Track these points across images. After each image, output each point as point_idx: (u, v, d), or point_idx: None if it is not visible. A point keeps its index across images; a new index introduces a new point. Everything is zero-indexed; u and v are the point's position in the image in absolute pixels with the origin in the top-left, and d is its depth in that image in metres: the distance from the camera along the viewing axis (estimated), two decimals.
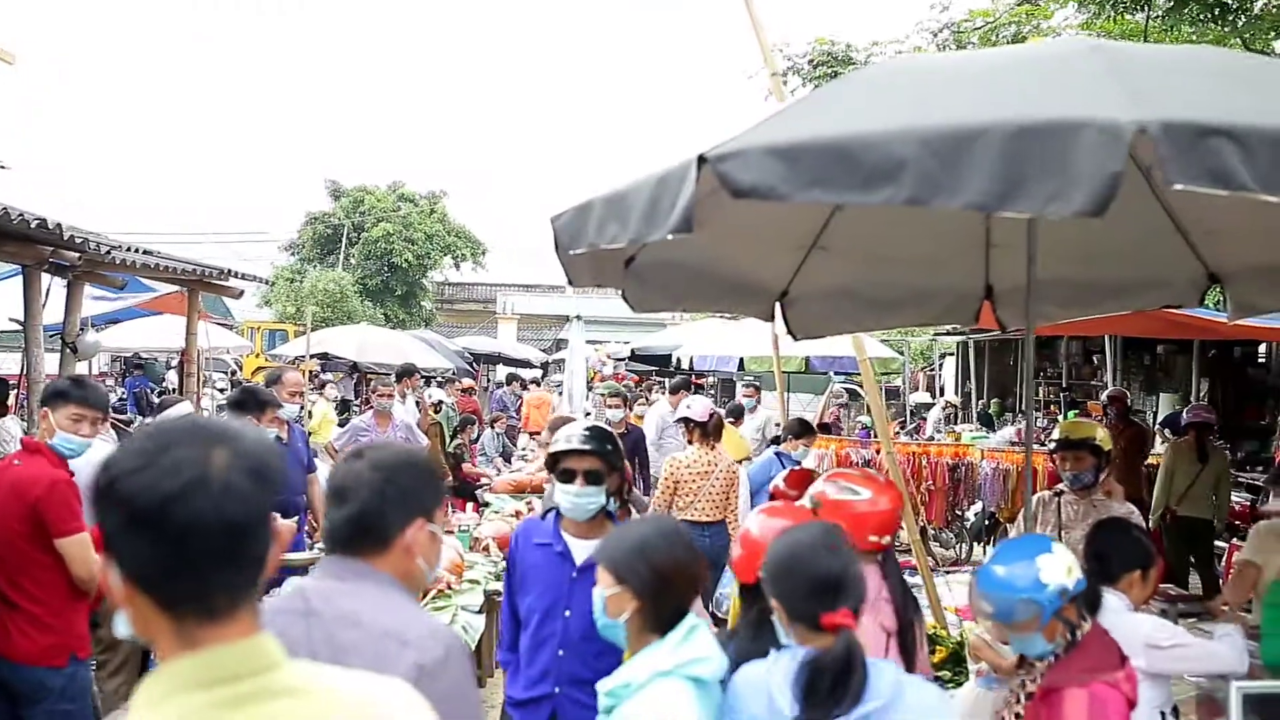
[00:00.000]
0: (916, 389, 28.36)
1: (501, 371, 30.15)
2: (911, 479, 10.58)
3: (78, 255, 7.54)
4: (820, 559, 2.44)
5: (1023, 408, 16.80)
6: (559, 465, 3.55)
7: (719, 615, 6.11)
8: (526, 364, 28.56)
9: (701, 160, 2.52)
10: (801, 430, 8.17)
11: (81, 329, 8.27)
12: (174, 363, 22.84)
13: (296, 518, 6.21)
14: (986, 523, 11.14)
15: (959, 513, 10.84)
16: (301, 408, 16.11)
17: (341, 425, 11.94)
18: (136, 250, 9.33)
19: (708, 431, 7.19)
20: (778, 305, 4.67)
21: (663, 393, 18.42)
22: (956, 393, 23.62)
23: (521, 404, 19.02)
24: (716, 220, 4.06)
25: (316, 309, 31.57)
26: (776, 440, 8.13)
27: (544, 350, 33.56)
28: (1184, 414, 9.63)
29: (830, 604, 2.37)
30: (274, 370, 6.87)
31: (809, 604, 2.39)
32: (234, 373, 26.05)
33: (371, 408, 9.21)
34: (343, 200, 38.99)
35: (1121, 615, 3.11)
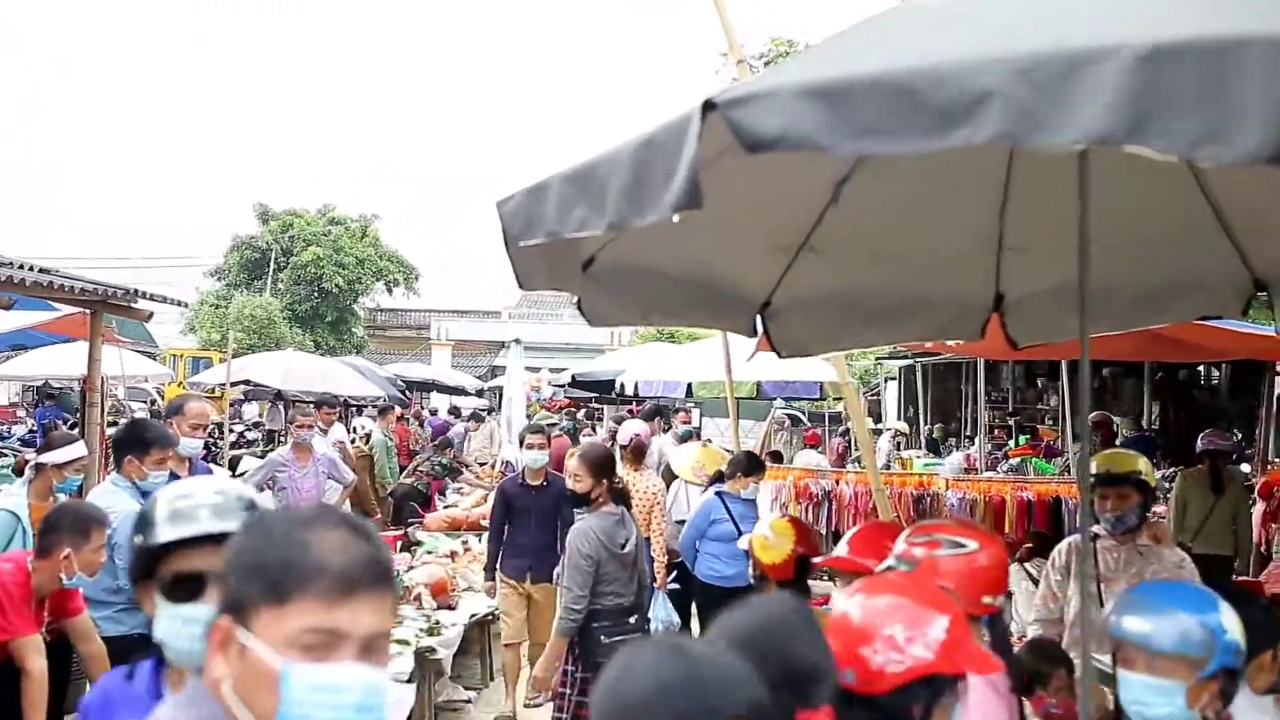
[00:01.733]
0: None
1: (437, 400, 29.31)
2: (874, 511, 10.00)
3: None
4: (802, 642, 1.86)
5: (1074, 432, 16.37)
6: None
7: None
8: (461, 391, 27.76)
9: (708, 107, 1.86)
10: (750, 466, 7.17)
11: None
12: (117, 391, 21.74)
13: None
14: None
15: None
16: (213, 443, 15.23)
17: (262, 458, 11.10)
18: (26, 267, 8.47)
19: (631, 455, 8.19)
20: (759, 318, 4.00)
21: (598, 421, 17.76)
22: (899, 417, 23.26)
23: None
24: (692, 214, 3.41)
25: (242, 335, 30.50)
26: (718, 478, 7.23)
27: (479, 377, 32.74)
28: (1199, 441, 8.88)
29: (809, 698, 1.80)
30: (175, 399, 6.04)
31: (780, 695, 1.62)
32: (154, 403, 24.93)
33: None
34: (271, 224, 37.96)
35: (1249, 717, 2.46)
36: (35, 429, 18.43)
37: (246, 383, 15.85)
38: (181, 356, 29.37)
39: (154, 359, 29.34)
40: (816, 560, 3.63)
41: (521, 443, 7.17)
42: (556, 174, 2.40)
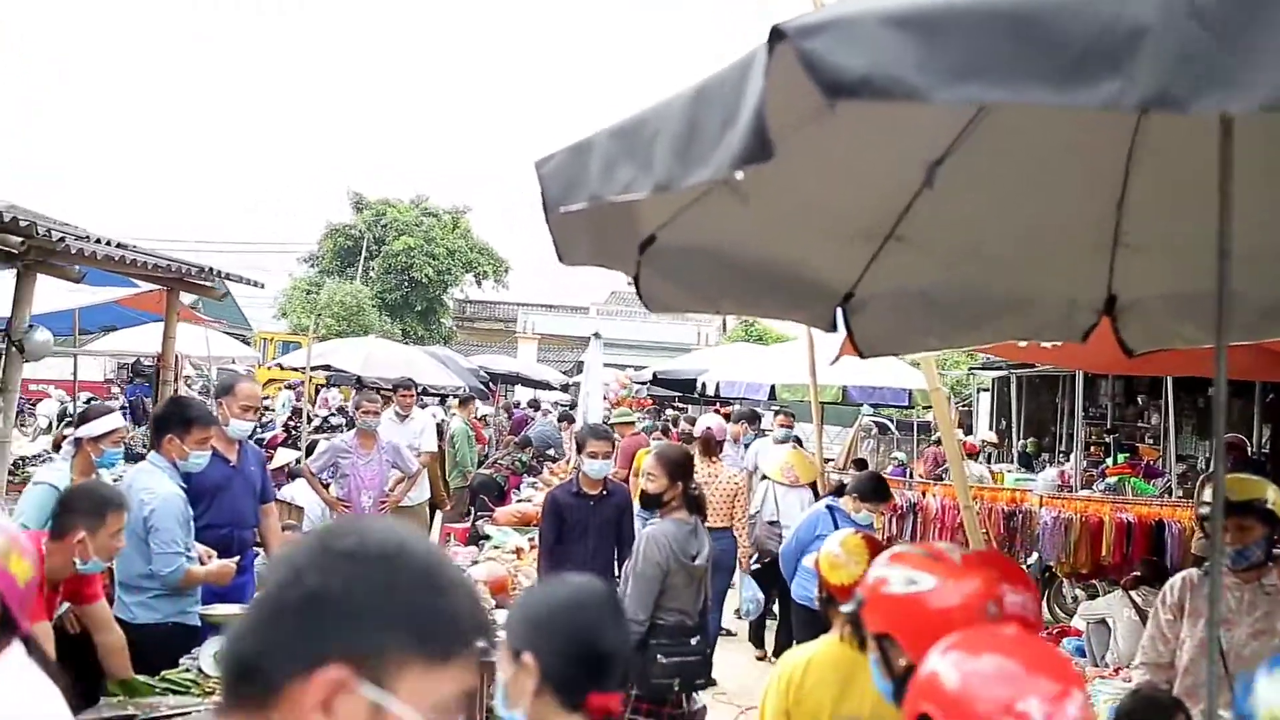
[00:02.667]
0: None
1: (521, 393, 29.23)
2: (961, 528, 9.52)
3: (20, 241, 6.59)
4: (605, 626, 2.07)
5: (1217, 455, 15.67)
6: None
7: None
8: (546, 385, 27.63)
9: (776, 36, 1.51)
10: (873, 493, 6.35)
11: (31, 326, 7.29)
12: (185, 371, 21.97)
13: (240, 557, 5.20)
14: (1041, 575, 10.09)
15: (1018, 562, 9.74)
16: (294, 426, 15.19)
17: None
18: (100, 240, 8.40)
19: (708, 448, 8.40)
20: (839, 311, 3.62)
21: (687, 421, 17.41)
22: (990, 430, 22.56)
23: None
24: (766, 189, 3.06)
25: (331, 322, 30.81)
26: (839, 490, 6.75)
27: (564, 372, 32.62)
28: None
29: (604, 684, 1.99)
30: (226, 378, 5.85)
31: (581, 676, 1.97)
32: None
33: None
34: (364, 212, 38.30)
35: None
36: (125, 406, 18.63)
37: (327, 368, 15.82)
38: (271, 340, 29.69)
39: (247, 342, 29.82)
40: None
41: (581, 448, 6.32)
42: (602, 130, 2.07)
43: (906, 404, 13.77)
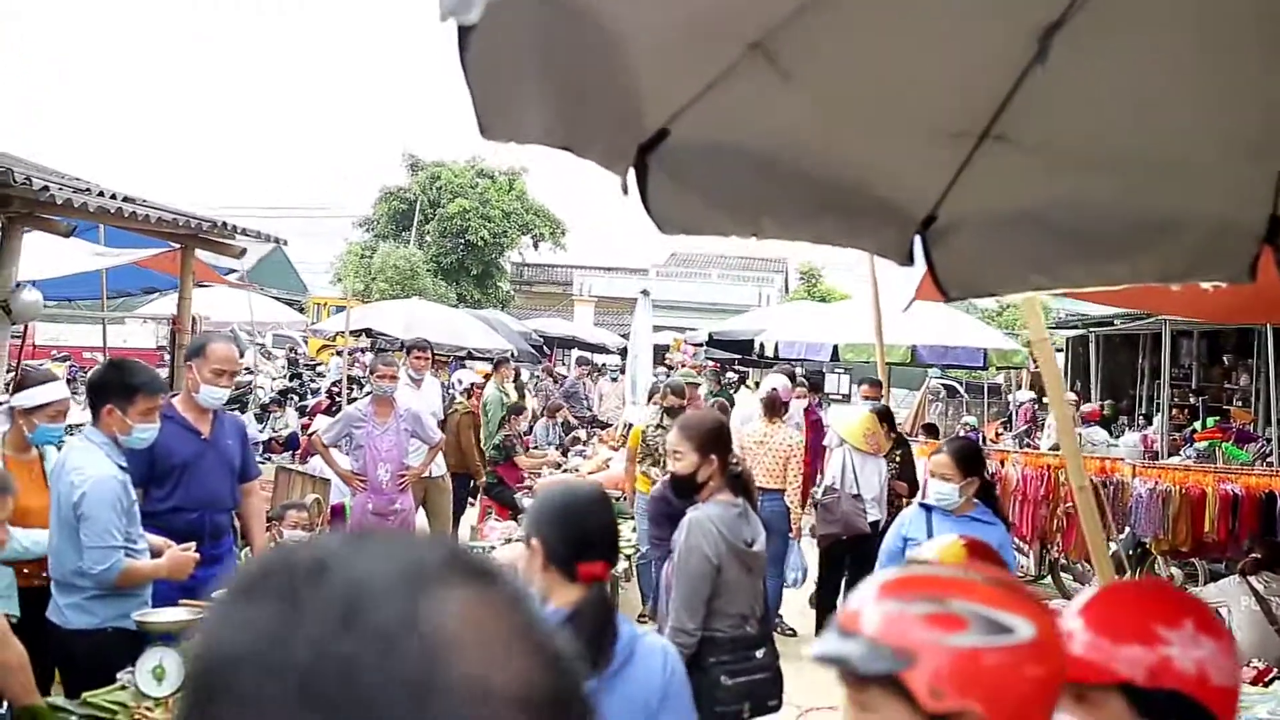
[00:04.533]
0: (1019, 386, 26.32)
1: (577, 356, 28.58)
2: (1045, 500, 8.63)
3: None
4: (593, 513, 2.55)
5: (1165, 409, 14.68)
6: None
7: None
8: (602, 349, 27.01)
9: None
10: (984, 489, 4.80)
11: (17, 286, 6.66)
12: (259, 337, 21.48)
13: (214, 543, 4.49)
14: (1132, 552, 9.16)
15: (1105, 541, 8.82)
16: (337, 393, 14.57)
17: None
18: (109, 195, 7.74)
19: (773, 408, 8.12)
20: (918, 240, 2.76)
21: (747, 386, 16.55)
22: (1069, 392, 21.50)
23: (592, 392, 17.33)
24: (814, 65, 2.24)
25: (385, 286, 30.38)
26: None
27: (623, 335, 31.90)
28: None
29: (590, 555, 2.44)
30: (198, 338, 5.10)
31: (571, 552, 2.45)
32: (293, 349, 24.78)
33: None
34: (419, 175, 37.69)
35: None
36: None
37: (368, 332, 15.21)
38: (325, 305, 29.29)
39: (301, 308, 29.45)
40: None
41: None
42: None
43: (981, 364, 12.81)
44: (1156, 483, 8.42)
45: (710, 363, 20.74)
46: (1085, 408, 18.98)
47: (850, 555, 7.53)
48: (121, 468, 3.87)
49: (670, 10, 1.94)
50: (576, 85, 1.86)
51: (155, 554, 4.00)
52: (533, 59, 1.70)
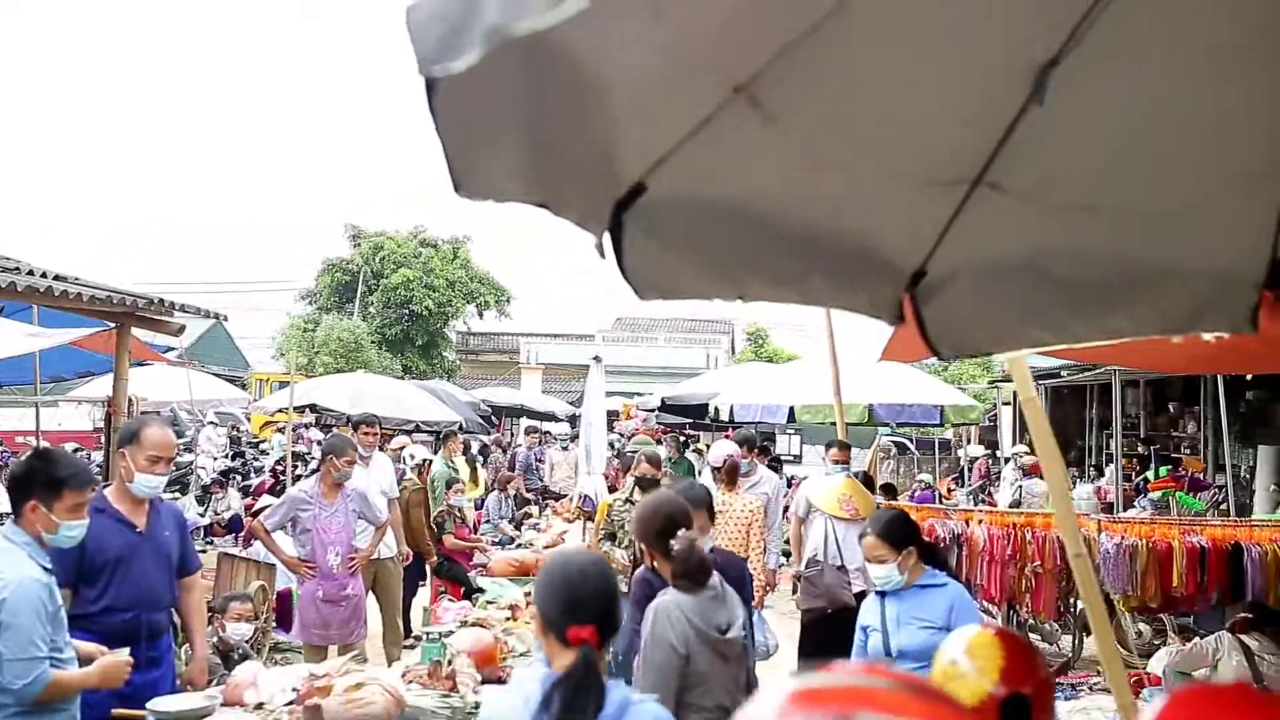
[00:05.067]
0: (969, 441, 26.41)
1: (525, 427, 28.24)
2: (1012, 559, 8.46)
3: None
4: (583, 580, 2.65)
5: (1226, 461, 14.68)
6: None
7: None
8: (551, 417, 26.73)
9: None
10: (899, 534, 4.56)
11: None
12: (207, 417, 20.91)
13: (150, 645, 4.17)
14: None
15: (1072, 600, 8.67)
16: (189, 469, 14.10)
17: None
18: (22, 270, 7.39)
19: (731, 478, 7.91)
20: (906, 298, 2.58)
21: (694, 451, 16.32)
22: (1012, 445, 21.51)
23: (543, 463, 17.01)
24: (801, 107, 2.07)
25: (330, 360, 29.95)
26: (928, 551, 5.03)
27: (571, 403, 31.64)
28: None
29: (578, 619, 2.54)
30: (131, 423, 4.78)
31: (562, 617, 2.57)
32: (234, 427, 24.21)
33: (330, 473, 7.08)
34: (362, 246, 37.41)
35: None
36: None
37: (313, 407, 14.85)
38: (267, 380, 28.74)
39: (244, 385, 28.89)
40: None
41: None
42: None
43: (938, 422, 12.71)
44: (1124, 537, 8.29)
45: (660, 427, 20.53)
46: (1026, 460, 19.01)
47: (836, 629, 7.29)
48: (45, 569, 3.55)
49: (651, 51, 1.75)
50: (552, 137, 1.66)
51: (85, 661, 3.68)
52: (506, 108, 1.51)
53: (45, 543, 3.59)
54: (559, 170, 1.68)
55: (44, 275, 7.47)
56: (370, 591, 7.78)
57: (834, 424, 12.42)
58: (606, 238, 2.01)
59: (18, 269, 7.29)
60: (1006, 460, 17.66)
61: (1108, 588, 8.32)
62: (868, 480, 8.05)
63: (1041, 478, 16.33)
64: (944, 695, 1.26)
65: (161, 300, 8.31)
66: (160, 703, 3.53)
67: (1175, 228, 2.60)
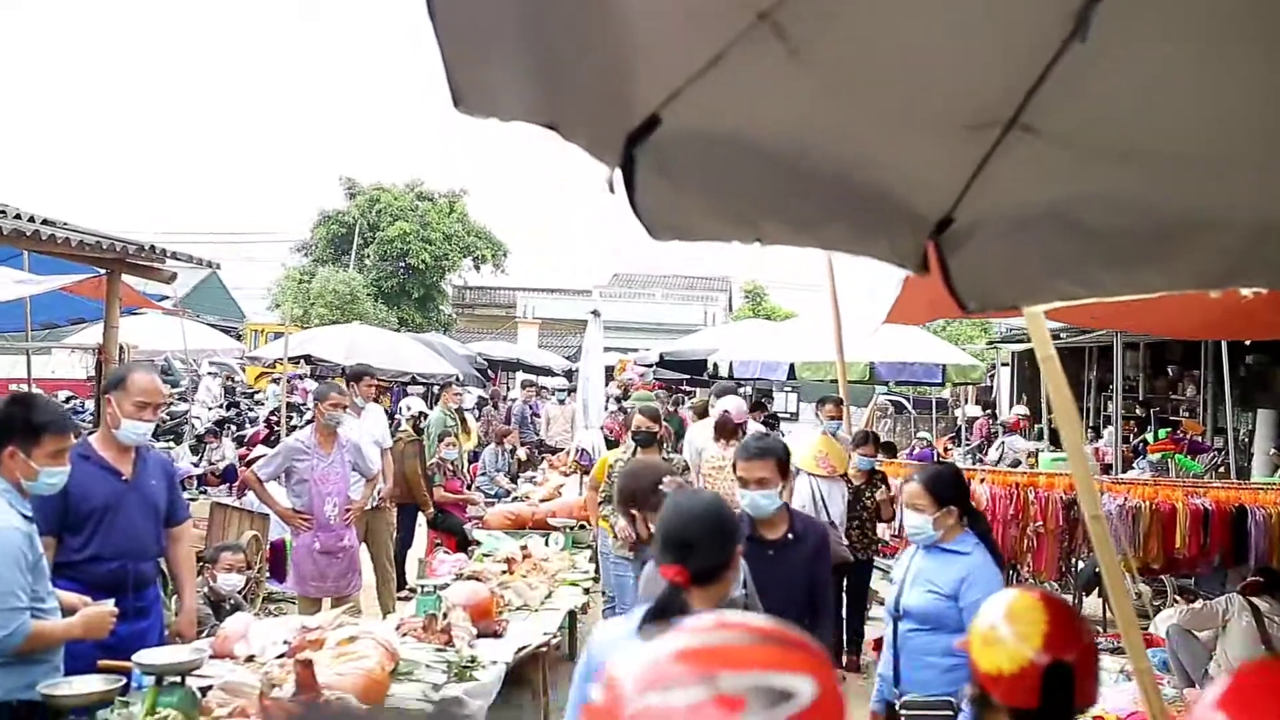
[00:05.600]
0: (965, 401, 26.38)
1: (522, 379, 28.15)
2: (1014, 519, 8.39)
3: None
4: (677, 523, 2.78)
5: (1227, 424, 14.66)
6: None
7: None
8: (547, 371, 26.65)
9: None
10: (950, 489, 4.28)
11: None
12: (203, 368, 20.79)
13: (137, 595, 4.07)
14: (1098, 570, 8.97)
15: (1073, 560, 8.61)
16: (276, 422, 14.01)
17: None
18: (28, 218, 7.25)
19: (726, 432, 7.88)
20: (930, 246, 2.45)
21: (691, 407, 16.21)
22: (1011, 407, 21.47)
23: (539, 416, 16.93)
24: (825, 41, 1.94)
25: (325, 311, 29.80)
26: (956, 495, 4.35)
27: (567, 357, 31.54)
28: None
29: (666, 558, 2.71)
30: (118, 370, 4.65)
31: (658, 554, 2.76)
32: (230, 378, 24.09)
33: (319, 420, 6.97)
34: (358, 199, 37.12)
35: None
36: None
37: (308, 358, 14.73)
38: (263, 331, 28.59)
39: (238, 336, 28.73)
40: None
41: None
42: None
43: (939, 381, 12.61)
44: (1126, 498, 8.22)
45: (655, 382, 20.42)
46: (1006, 416, 18.96)
47: (840, 586, 7.23)
48: (26, 517, 3.44)
49: None
50: (564, 54, 1.53)
51: (68, 611, 3.58)
52: (514, 16, 1.37)
53: (25, 490, 3.48)
54: (569, 91, 1.55)
55: (31, 220, 7.31)
56: (362, 542, 7.70)
57: (834, 381, 12.33)
58: (617, 174, 1.89)
59: (3, 212, 7.14)
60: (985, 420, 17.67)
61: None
62: (870, 438, 7.90)
63: (1023, 435, 16.34)
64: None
65: (153, 247, 8.15)
66: (146, 655, 3.41)
67: (1215, 176, 2.46)
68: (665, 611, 2.56)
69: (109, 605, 3.64)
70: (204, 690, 3.49)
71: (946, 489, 4.06)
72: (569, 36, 1.51)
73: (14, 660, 3.29)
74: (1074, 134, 2.31)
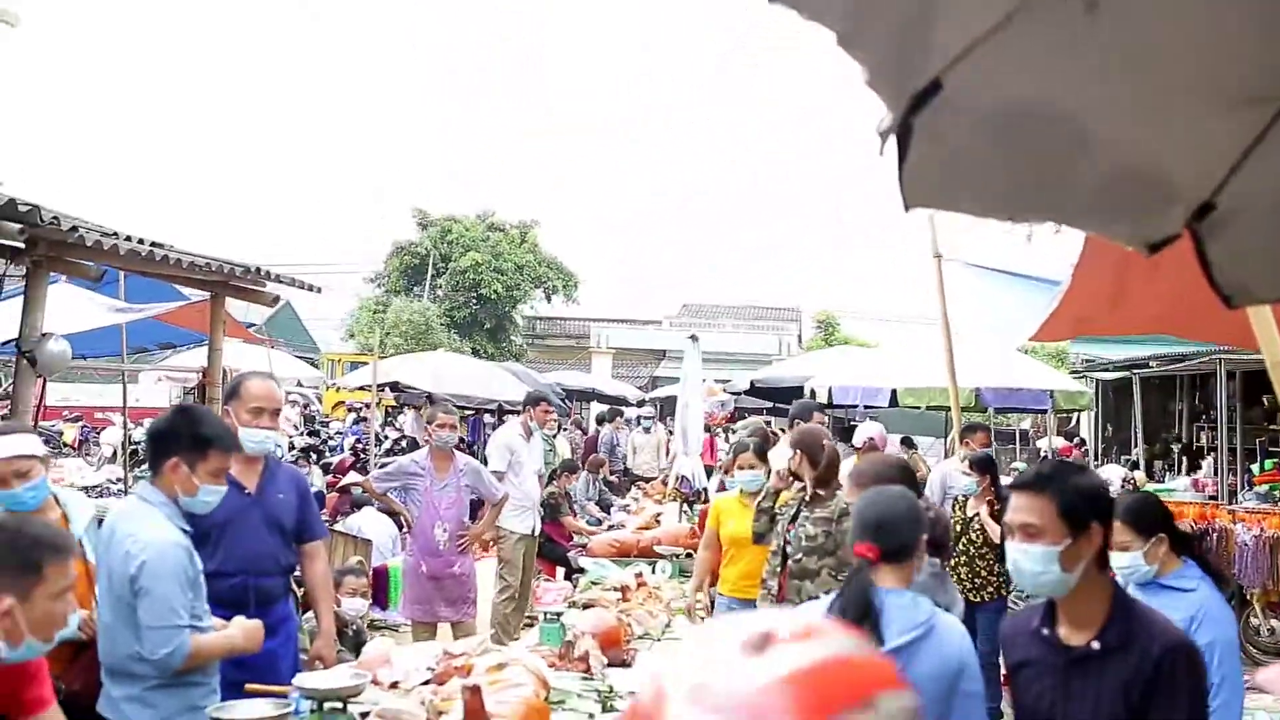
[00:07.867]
0: (1047, 433, 25.75)
1: (597, 410, 28.03)
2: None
3: (20, 230, 5.47)
4: (868, 506, 3.02)
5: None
6: None
7: None
8: (623, 401, 26.47)
9: None
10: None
11: (45, 336, 6.16)
12: (291, 396, 21.01)
13: (263, 613, 3.92)
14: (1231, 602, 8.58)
15: None
16: (362, 449, 13.96)
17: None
18: (136, 240, 7.24)
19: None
20: (1192, 232, 2.24)
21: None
22: (1098, 437, 20.87)
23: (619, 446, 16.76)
24: (1129, 7, 1.74)
25: (400, 341, 29.99)
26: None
27: (640, 388, 31.38)
28: None
29: (862, 537, 2.92)
30: (233, 379, 4.48)
31: (855, 534, 2.97)
32: (307, 405, 24.27)
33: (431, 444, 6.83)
34: (430, 230, 37.40)
35: None
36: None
37: (395, 385, 14.71)
38: (339, 360, 28.82)
39: (315, 365, 29.00)
40: None
41: None
42: None
43: (1046, 408, 12.19)
44: (1262, 528, 7.85)
45: (728, 414, 20.09)
46: (1058, 443, 18.35)
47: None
48: (185, 531, 3.31)
49: None
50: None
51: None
52: None
53: (181, 505, 3.35)
54: (873, 12, 1.39)
55: (142, 241, 7.31)
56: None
57: (930, 409, 12.00)
58: (891, 139, 1.72)
59: (114, 234, 7.14)
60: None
61: (1245, 581, 7.90)
62: (991, 463, 7.55)
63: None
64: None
65: (258, 269, 8.11)
66: (308, 679, 3.25)
67: None
68: (850, 586, 2.86)
69: (254, 624, 3.49)
70: (364, 716, 3.32)
71: (1147, 517, 3.73)
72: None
73: (173, 681, 3.15)
74: None
